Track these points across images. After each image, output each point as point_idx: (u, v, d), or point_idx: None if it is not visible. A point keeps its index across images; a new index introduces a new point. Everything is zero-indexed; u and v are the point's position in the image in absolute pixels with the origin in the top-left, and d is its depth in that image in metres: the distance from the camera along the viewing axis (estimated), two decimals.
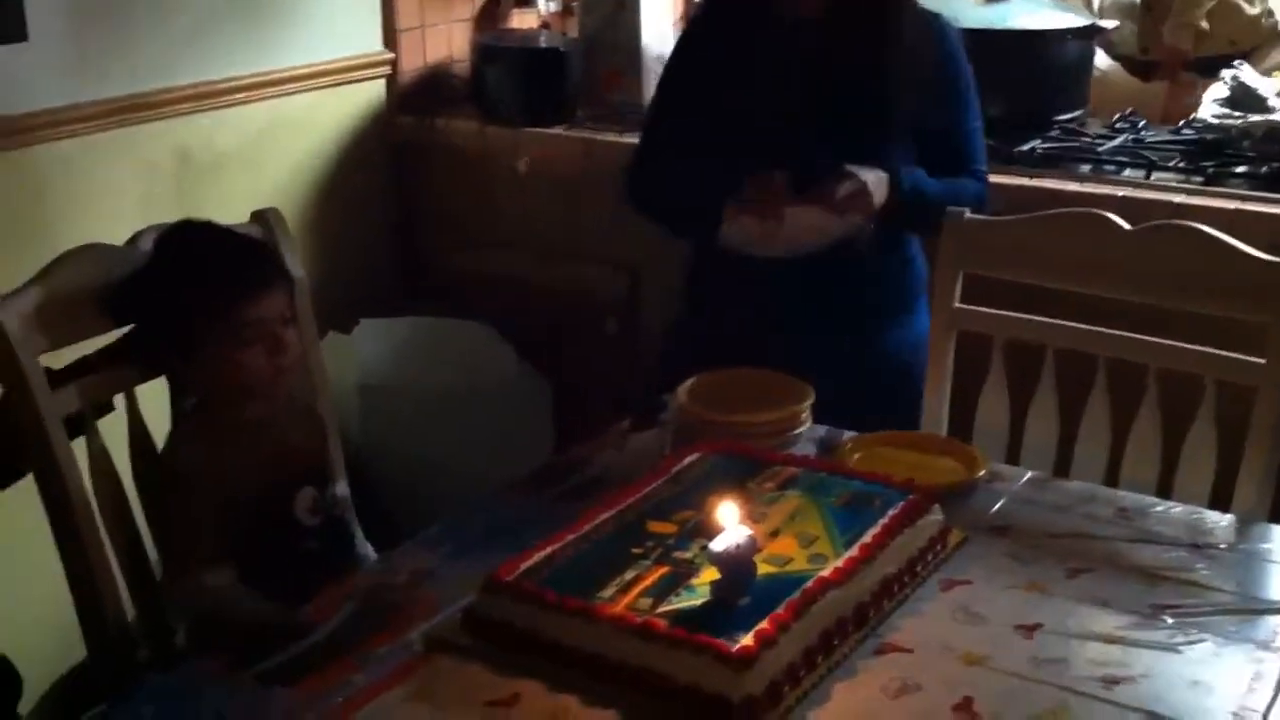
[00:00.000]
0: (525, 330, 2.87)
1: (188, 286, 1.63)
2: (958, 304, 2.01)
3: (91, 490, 1.63)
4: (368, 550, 1.84)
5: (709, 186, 2.05)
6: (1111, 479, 1.88)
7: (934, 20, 2.13)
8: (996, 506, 1.65)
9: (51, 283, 1.65)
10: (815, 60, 2.05)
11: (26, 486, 1.60)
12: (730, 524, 1.34)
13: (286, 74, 2.80)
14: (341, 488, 1.82)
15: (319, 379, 1.90)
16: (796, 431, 1.76)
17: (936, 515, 1.53)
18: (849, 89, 2.04)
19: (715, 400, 1.78)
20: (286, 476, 1.68)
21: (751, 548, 1.33)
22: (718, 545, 1.32)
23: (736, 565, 1.31)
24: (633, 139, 2.75)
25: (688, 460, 1.63)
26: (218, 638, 1.48)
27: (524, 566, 1.38)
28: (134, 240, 1.75)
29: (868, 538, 1.42)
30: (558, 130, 2.92)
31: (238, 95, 2.71)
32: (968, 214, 2.01)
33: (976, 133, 2.15)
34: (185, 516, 1.61)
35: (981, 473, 1.70)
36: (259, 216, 1.85)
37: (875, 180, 2.01)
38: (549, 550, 1.42)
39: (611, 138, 2.85)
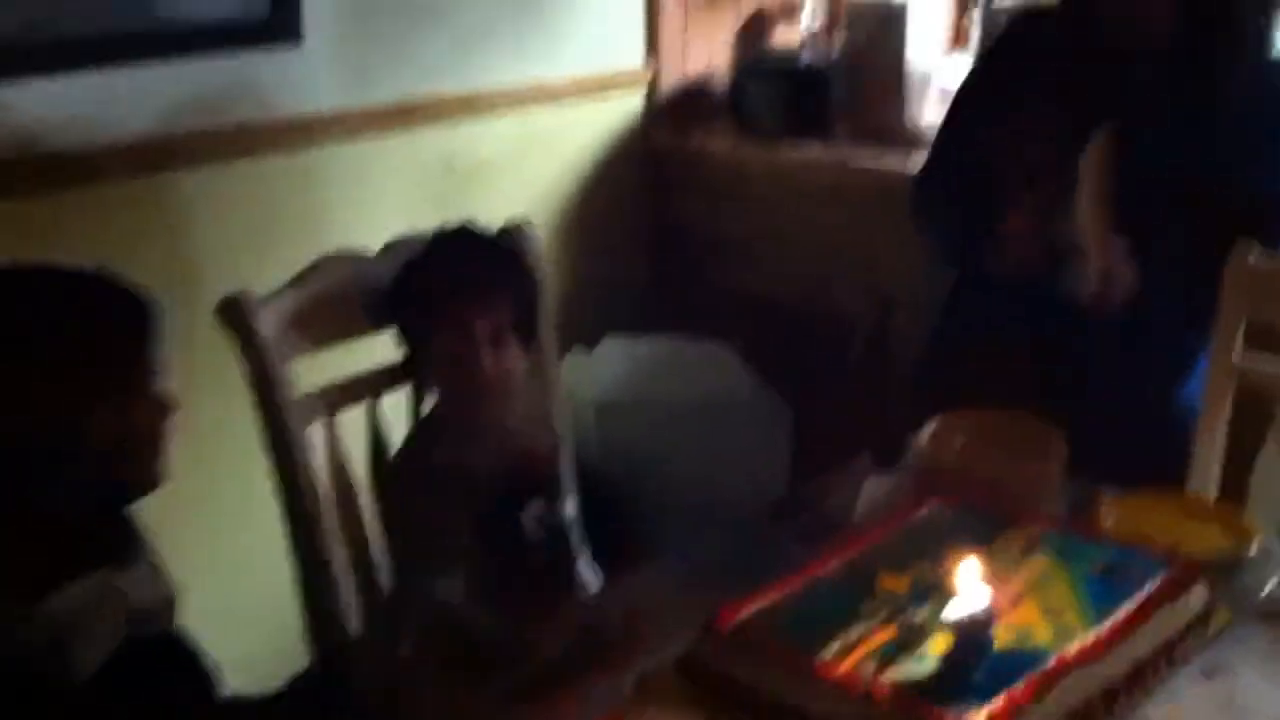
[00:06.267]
0: (770, 352, 2.81)
1: (424, 282, 1.65)
2: (1240, 353, 1.85)
3: (328, 496, 1.67)
4: (592, 574, 1.82)
5: (986, 218, 1.96)
6: None
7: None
8: (1270, 587, 1.50)
9: (308, 286, 1.70)
10: (1138, 98, 1.93)
11: (264, 492, 1.64)
12: (969, 587, 1.26)
13: (550, 84, 2.81)
14: (570, 506, 1.81)
15: (554, 391, 1.89)
16: (1051, 484, 1.64)
17: (1200, 593, 1.40)
18: (1170, 134, 1.91)
19: (961, 444, 1.69)
20: (517, 486, 1.68)
21: (991, 616, 1.24)
22: (953, 611, 1.24)
23: (973, 634, 1.22)
24: (892, 161, 2.70)
25: (926, 510, 1.54)
26: (441, 655, 1.49)
27: (745, 613, 1.33)
28: (386, 249, 1.78)
29: (1121, 613, 1.31)
30: (815, 148, 2.86)
31: (502, 104, 2.74)
32: (1253, 256, 1.85)
33: None
34: (420, 519, 1.62)
35: (1253, 546, 1.55)
36: (509, 228, 1.85)
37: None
38: (773, 597, 1.36)
39: (869, 159, 2.77)
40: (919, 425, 1.73)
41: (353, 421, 1.73)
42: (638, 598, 1.52)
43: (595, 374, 2.71)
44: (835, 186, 2.79)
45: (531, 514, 1.65)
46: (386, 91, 2.54)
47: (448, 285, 1.64)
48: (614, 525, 1.88)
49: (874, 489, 1.68)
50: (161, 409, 1.33)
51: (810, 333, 2.81)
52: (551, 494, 1.71)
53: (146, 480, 1.33)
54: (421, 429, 1.72)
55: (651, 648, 1.40)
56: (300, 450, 1.60)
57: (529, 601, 1.52)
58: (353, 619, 1.67)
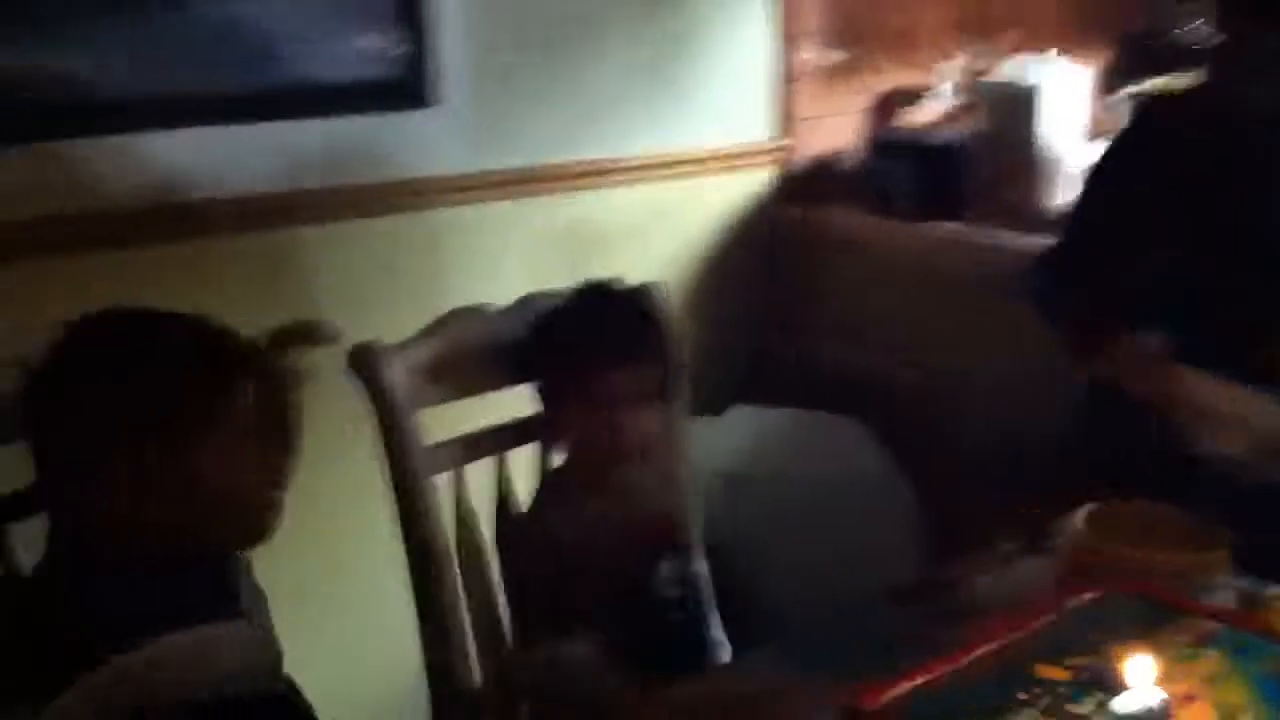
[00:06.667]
0: (897, 431, 2.73)
1: (567, 338, 1.61)
2: None
3: (454, 551, 1.62)
4: (721, 637, 1.75)
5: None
6: None
7: None
8: None
9: (439, 338, 1.67)
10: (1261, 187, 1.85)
11: (387, 543, 1.60)
12: (1139, 681, 1.16)
13: (676, 156, 2.79)
14: (700, 566, 1.75)
15: (684, 455, 1.84)
16: (1215, 579, 1.53)
17: None
18: None
19: (1115, 531, 1.59)
20: (648, 547, 1.63)
21: (1164, 714, 1.14)
22: (1124, 706, 1.14)
23: None
24: (1027, 242, 2.62)
25: (1085, 597, 1.45)
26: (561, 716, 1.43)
27: (890, 697, 1.24)
28: (521, 304, 1.75)
29: None
30: (948, 228, 2.79)
31: (628, 175, 2.72)
32: None
33: None
34: (544, 578, 1.57)
35: None
36: (647, 288, 1.80)
37: None
38: (920, 681, 1.27)
39: (1003, 240, 2.69)
40: (1060, 512, 1.64)
41: (480, 476, 1.68)
42: (764, 675, 1.44)
43: (721, 443, 2.64)
44: (967, 267, 2.72)
45: (665, 573, 1.60)
46: (514, 157, 2.54)
47: (591, 343, 1.60)
48: (737, 599, 1.81)
49: (1022, 574, 1.59)
50: (271, 458, 1.28)
51: (938, 415, 2.72)
52: (682, 555, 1.66)
53: (254, 532, 1.28)
54: (550, 486, 1.68)
55: None
56: (426, 500, 1.56)
57: (661, 664, 1.45)
58: (475, 677, 1.62)
